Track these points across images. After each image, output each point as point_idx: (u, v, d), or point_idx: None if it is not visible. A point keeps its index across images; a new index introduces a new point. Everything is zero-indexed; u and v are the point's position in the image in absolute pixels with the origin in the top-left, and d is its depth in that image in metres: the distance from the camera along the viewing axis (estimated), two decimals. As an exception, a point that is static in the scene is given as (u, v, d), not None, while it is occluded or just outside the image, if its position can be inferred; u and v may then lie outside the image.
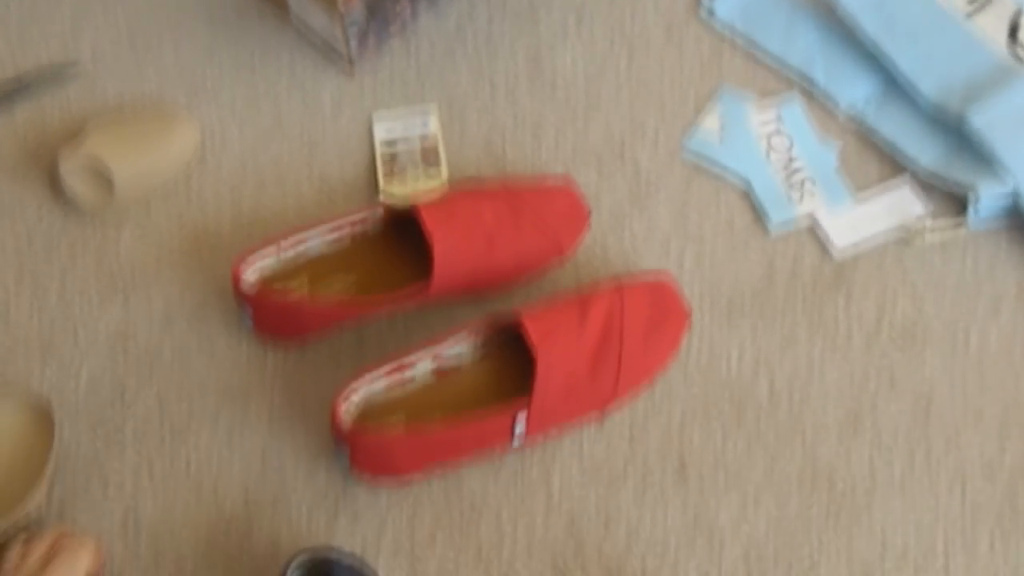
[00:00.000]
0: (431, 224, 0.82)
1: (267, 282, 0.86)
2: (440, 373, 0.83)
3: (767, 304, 0.89)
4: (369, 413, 0.81)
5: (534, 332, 0.78)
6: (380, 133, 0.96)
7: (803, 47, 1.00)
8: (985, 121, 0.91)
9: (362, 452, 0.78)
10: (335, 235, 0.87)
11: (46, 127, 0.96)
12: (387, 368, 0.80)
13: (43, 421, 0.81)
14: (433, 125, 0.96)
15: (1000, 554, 0.81)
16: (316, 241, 0.86)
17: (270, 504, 0.81)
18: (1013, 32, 0.97)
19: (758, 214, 0.93)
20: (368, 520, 0.81)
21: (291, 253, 0.86)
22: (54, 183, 0.92)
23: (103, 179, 0.90)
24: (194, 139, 0.95)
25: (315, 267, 0.87)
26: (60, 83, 0.98)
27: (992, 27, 0.97)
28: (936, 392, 0.86)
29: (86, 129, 0.92)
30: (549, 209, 0.88)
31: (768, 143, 0.96)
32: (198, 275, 0.90)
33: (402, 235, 0.88)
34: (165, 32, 1.01)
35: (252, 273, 0.85)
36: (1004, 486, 0.83)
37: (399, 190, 0.92)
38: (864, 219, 0.92)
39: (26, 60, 0.99)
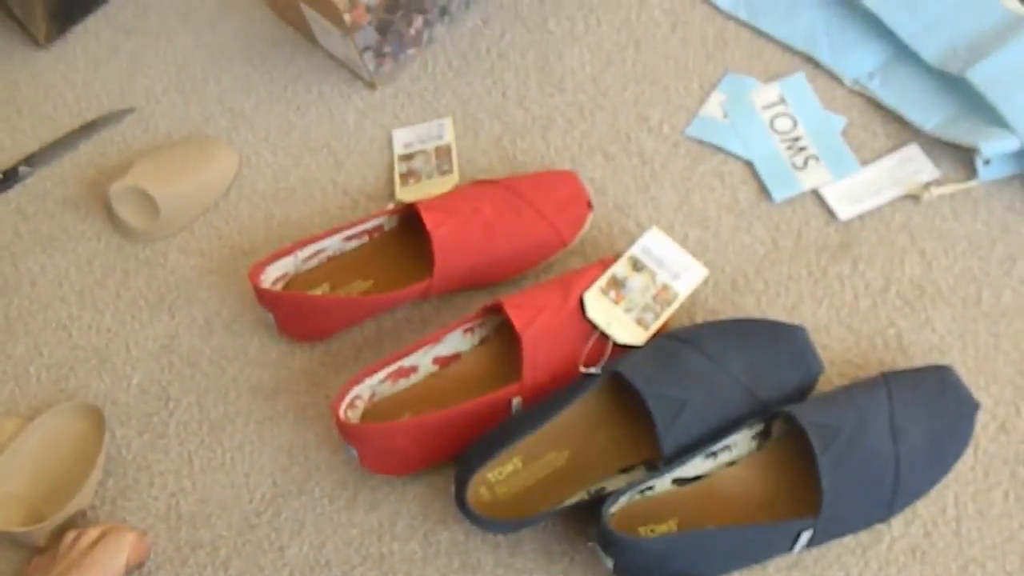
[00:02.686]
0: (429, 219, 0.87)
1: (290, 287, 0.92)
2: (441, 362, 0.87)
3: (772, 275, 0.90)
4: (377, 411, 0.86)
5: (517, 319, 0.81)
6: (398, 147, 1.02)
7: (806, 26, 1.00)
8: (988, 76, 0.90)
9: (368, 450, 0.83)
10: (351, 240, 0.93)
11: (104, 164, 1.06)
12: (387, 372, 0.85)
13: (96, 426, 0.90)
14: (448, 135, 1.01)
15: (1014, 514, 0.79)
16: (332, 246, 0.93)
17: (296, 493, 0.87)
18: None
19: (763, 193, 0.94)
20: (384, 507, 0.86)
21: (310, 258, 0.93)
22: (110, 213, 1.01)
23: (150, 205, 0.99)
24: (233, 164, 1.03)
25: (335, 272, 0.93)
26: (118, 124, 1.08)
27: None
28: (948, 354, 0.85)
29: (134, 162, 1.02)
30: (549, 197, 0.92)
31: (772, 124, 0.96)
32: (234, 287, 0.97)
33: (415, 237, 0.93)
34: (209, 71, 1.11)
35: (276, 281, 0.92)
36: (1018, 446, 0.81)
37: (413, 196, 0.98)
38: (871, 187, 0.92)
39: (90, 105, 1.10)
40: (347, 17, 0.96)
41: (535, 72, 1.04)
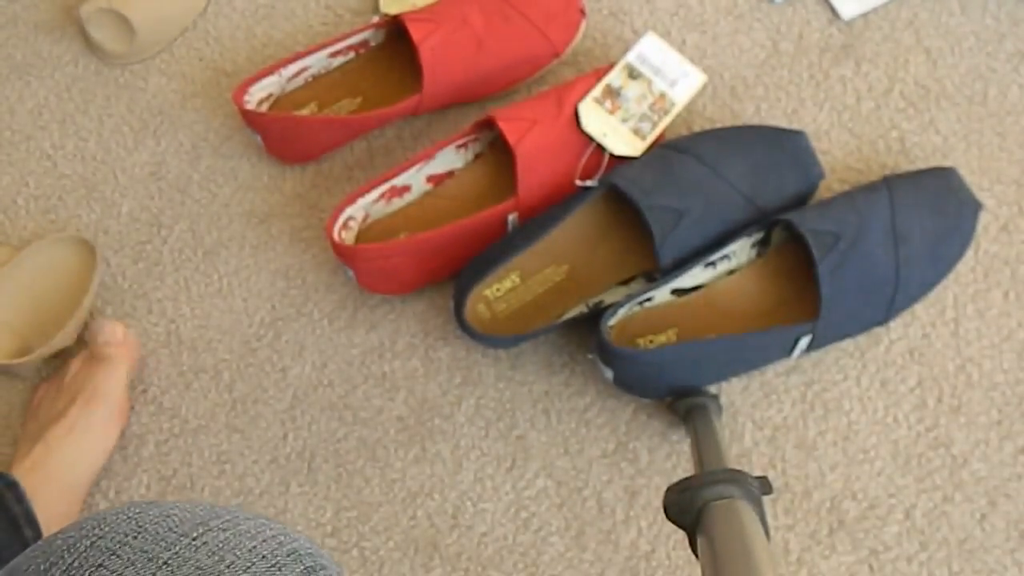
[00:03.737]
0: (416, 32, 0.84)
1: (277, 107, 0.90)
2: (435, 180, 0.86)
3: (772, 80, 0.87)
4: (373, 232, 0.85)
5: (510, 133, 0.79)
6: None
7: None
8: None
9: (365, 270, 0.82)
10: (336, 56, 0.90)
11: (74, -16, 1.02)
12: (379, 191, 0.83)
13: (87, 260, 0.89)
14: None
15: (1013, 313, 0.79)
16: (317, 64, 0.89)
17: (295, 316, 0.87)
18: None
19: None
20: (384, 327, 0.86)
21: (295, 76, 0.89)
22: (84, 36, 0.98)
23: (125, 26, 0.95)
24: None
25: (322, 91, 0.90)
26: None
27: None
28: (951, 155, 0.83)
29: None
30: (539, 4, 0.88)
31: None
32: (220, 109, 0.94)
33: (402, 51, 0.90)
34: None
35: (261, 102, 0.89)
36: (1020, 246, 0.80)
37: (398, 8, 0.94)
38: None
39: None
40: None
41: None
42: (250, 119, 0.87)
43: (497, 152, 0.86)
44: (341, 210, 0.81)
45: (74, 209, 0.93)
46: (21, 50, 0.99)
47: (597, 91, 0.83)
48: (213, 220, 0.91)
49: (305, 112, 0.90)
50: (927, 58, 0.86)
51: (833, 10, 0.88)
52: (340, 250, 0.80)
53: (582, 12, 0.89)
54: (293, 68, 0.89)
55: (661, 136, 0.84)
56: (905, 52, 0.87)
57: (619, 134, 0.82)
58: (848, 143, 0.85)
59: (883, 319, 0.77)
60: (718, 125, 0.87)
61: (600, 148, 0.82)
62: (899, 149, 0.84)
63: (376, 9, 0.95)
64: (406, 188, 0.85)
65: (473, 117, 0.87)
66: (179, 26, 0.97)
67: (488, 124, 0.83)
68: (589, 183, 0.79)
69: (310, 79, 0.90)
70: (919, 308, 0.80)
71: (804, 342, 0.75)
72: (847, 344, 0.80)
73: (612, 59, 0.90)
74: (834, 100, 0.86)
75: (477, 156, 0.86)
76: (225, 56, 0.96)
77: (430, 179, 0.85)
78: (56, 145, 0.95)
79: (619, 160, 0.82)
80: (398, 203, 0.85)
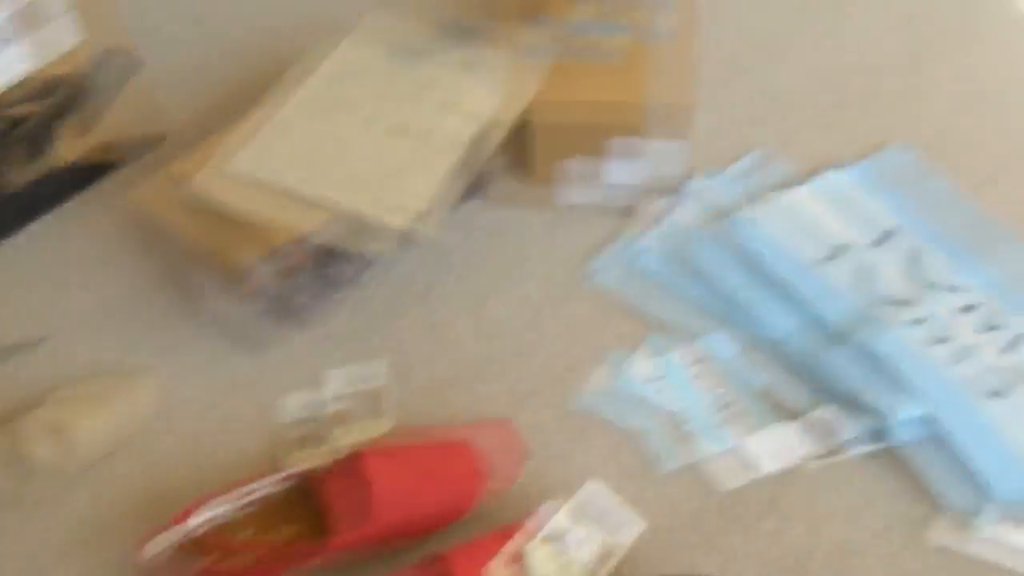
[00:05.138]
0: (369, 467, 0.86)
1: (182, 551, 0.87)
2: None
3: (665, 544, 0.91)
4: None
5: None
6: (326, 391, 1.01)
7: (681, 304, 1.07)
8: (890, 345, 0.97)
9: None
10: (248, 501, 0.90)
11: (12, 396, 1.02)
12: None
13: None
14: (380, 378, 1.02)
15: None
16: (226, 513, 0.89)
17: None
18: (912, 263, 1.06)
19: (653, 463, 0.96)
20: None
21: (203, 525, 0.89)
22: (17, 447, 0.96)
23: (63, 440, 0.95)
24: (148, 402, 1.00)
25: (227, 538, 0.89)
26: (29, 353, 1.05)
27: (891, 259, 1.06)
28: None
29: (46, 396, 0.98)
30: (473, 454, 0.92)
31: (659, 395, 1.00)
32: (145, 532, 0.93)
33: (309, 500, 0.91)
34: (126, 307, 1.09)
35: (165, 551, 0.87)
36: None
37: (344, 441, 0.96)
38: (753, 459, 0.95)
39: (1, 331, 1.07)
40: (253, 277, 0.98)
41: (467, 320, 1.07)
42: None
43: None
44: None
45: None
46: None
47: (505, 554, 0.84)
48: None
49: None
50: (806, 527, 0.92)
51: (717, 481, 0.94)
52: None
53: (523, 457, 0.93)
54: (199, 520, 0.88)
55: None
56: (784, 520, 0.92)
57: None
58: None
59: None
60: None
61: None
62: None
63: (316, 443, 0.97)
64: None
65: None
66: (114, 442, 0.98)
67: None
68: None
69: (218, 523, 0.89)
70: None
71: None
72: None
73: (527, 511, 0.92)
74: (727, 564, 0.90)
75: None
76: (157, 478, 0.96)
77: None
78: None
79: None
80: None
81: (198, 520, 0.87)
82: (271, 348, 1.04)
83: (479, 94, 1.09)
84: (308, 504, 0.90)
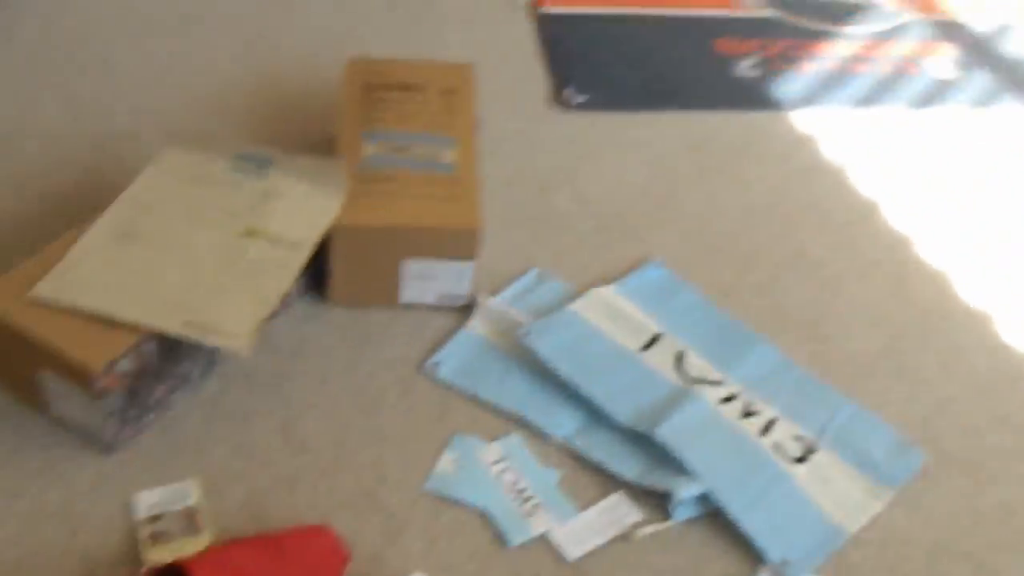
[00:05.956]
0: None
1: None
2: None
3: None
4: None
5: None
6: (141, 510, 1.01)
7: (516, 394, 1.17)
8: (670, 434, 1.10)
9: None
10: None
11: None
12: None
13: None
14: (194, 496, 1.03)
15: None
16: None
17: None
18: (678, 362, 1.20)
19: (500, 539, 1.04)
20: None
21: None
22: None
23: None
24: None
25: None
26: None
27: (660, 360, 1.20)
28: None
29: None
30: (305, 554, 0.95)
31: (499, 477, 1.09)
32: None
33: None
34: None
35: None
36: None
37: (163, 558, 0.96)
38: (590, 530, 1.05)
39: None
40: (100, 382, 0.98)
41: (276, 434, 1.10)
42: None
43: None
44: None
45: None
46: None
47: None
48: None
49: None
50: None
51: (560, 552, 1.03)
52: None
53: (346, 559, 0.97)
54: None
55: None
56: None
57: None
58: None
59: None
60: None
61: None
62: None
63: (139, 561, 0.97)
64: None
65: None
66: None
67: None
68: None
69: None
70: None
71: None
72: None
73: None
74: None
75: None
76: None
77: None
78: None
79: None
80: None
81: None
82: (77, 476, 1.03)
83: (281, 220, 1.15)
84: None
